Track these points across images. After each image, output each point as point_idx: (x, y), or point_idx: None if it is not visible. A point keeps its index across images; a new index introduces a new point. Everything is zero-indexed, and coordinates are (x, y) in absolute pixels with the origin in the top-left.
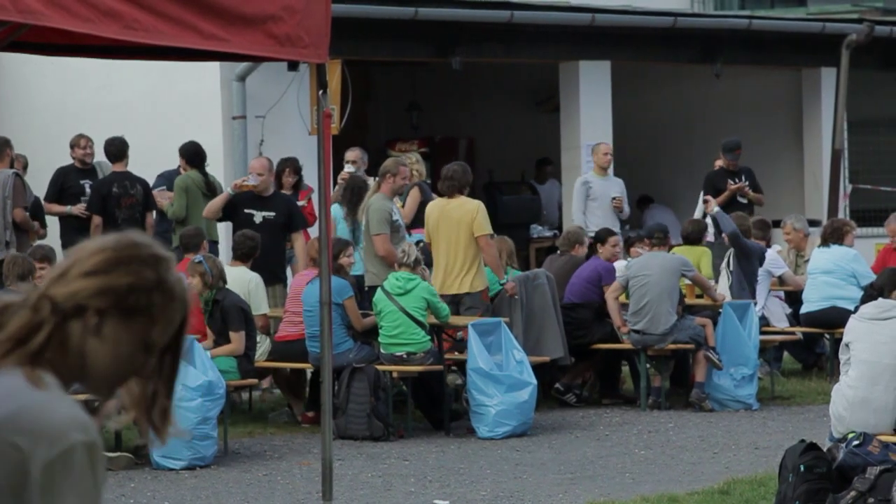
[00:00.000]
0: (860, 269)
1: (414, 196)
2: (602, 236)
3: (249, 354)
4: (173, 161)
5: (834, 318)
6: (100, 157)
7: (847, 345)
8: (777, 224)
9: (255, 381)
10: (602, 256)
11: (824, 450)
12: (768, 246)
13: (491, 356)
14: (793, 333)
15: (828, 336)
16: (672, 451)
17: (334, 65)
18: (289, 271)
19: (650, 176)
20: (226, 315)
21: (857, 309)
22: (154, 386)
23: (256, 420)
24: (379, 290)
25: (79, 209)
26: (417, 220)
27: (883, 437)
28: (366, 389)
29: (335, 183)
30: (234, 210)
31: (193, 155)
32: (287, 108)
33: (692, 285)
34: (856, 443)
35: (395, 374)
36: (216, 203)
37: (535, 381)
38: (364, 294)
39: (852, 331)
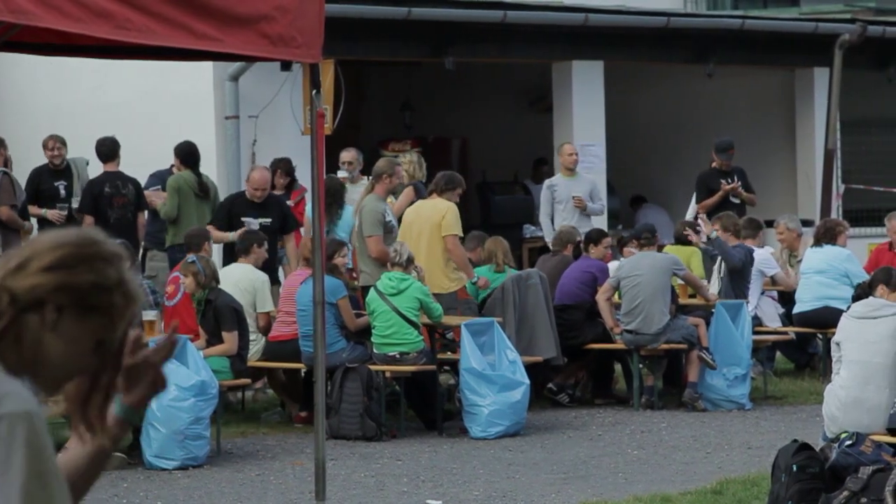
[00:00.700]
0: (853, 269)
1: (408, 195)
2: (594, 237)
3: (242, 354)
4: (167, 161)
5: (827, 318)
6: (81, 153)
7: (838, 343)
8: (770, 224)
9: (247, 381)
10: (594, 257)
11: (817, 450)
12: (761, 246)
13: (484, 356)
14: (785, 333)
15: (820, 336)
16: (665, 451)
17: (327, 65)
18: (280, 272)
19: (643, 176)
20: (218, 315)
21: (848, 308)
22: (96, 384)
23: (249, 420)
24: (372, 290)
25: (53, 215)
26: None
27: (875, 437)
28: (359, 389)
29: None
30: (232, 219)
31: (188, 155)
32: (280, 108)
33: (685, 285)
34: (848, 443)
35: (388, 374)
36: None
37: (527, 381)
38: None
39: (843, 329)
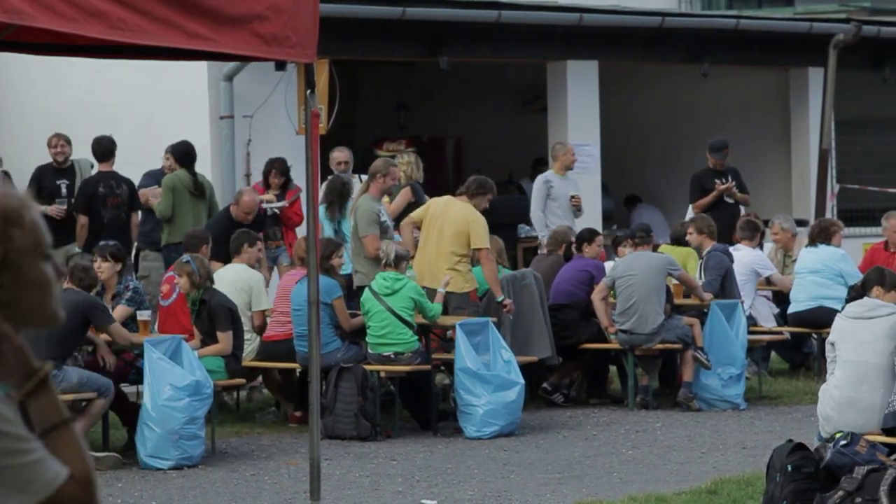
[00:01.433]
0: (847, 269)
1: (405, 195)
2: (587, 236)
3: (237, 354)
4: (161, 161)
5: (821, 318)
6: (84, 155)
7: (832, 343)
8: (765, 224)
9: (242, 381)
10: (588, 256)
11: (812, 449)
12: (760, 247)
13: (478, 356)
14: (780, 333)
15: (815, 336)
16: (660, 451)
17: (322, 64)
18: (275, 272)
19: (638, 176)
20: (213, 315)
21: (843, 308)
22: None
23: (244, 420)
24: (366, 290)
25: (53, 210)
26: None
27: (870, 437)
28: (353, 389)
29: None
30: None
31: (184, 155)
32: (275, 107)
33: (680, 285)
34: (843, 443)
35: (382, 374)
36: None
37: (522, 381)
38: (353, 294)
39: (837, 330)
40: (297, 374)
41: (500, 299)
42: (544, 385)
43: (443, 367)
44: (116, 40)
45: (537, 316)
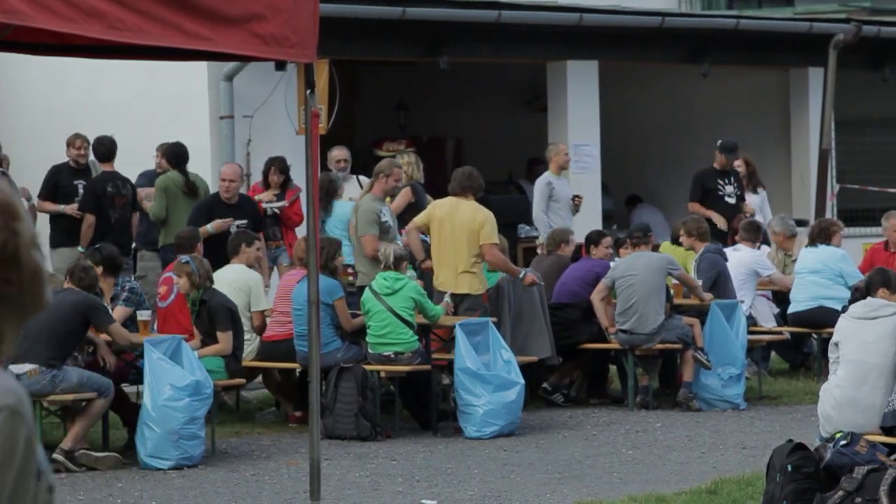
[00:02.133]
0: (847, 269)
1: (405, 195)
2: (595, 238)
3: (237, 354)
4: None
5: (821, 318)
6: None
7: (836, 344)
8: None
9: (242, 381)
10: (595, 258)
11: (812, 449)
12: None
13: (478, 356)
14: (780, 333)
15: (815, 336)
16: (660, 451)
17: (322, 64)
18: (275, 272)
19: (638, 176)
20: (213, 315)
21: (845, 308)
22: None
23: (244, 420)
24: (367, 289)
25: (71, 209)
26: (404, 221)
27: (870, 437)
28: (353, 389)
29: None
30: (209, 220)
31: (174, 156)
32: (275, 107)
33: (679, 285)
34: (843, 442)
35: (382, 374)
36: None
37: (522, 381)
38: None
39: (841, 330)
40: (297, 374)
41: (521, 275)
42: (544, 385)
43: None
44: (115, 40)
45: (537, 316)
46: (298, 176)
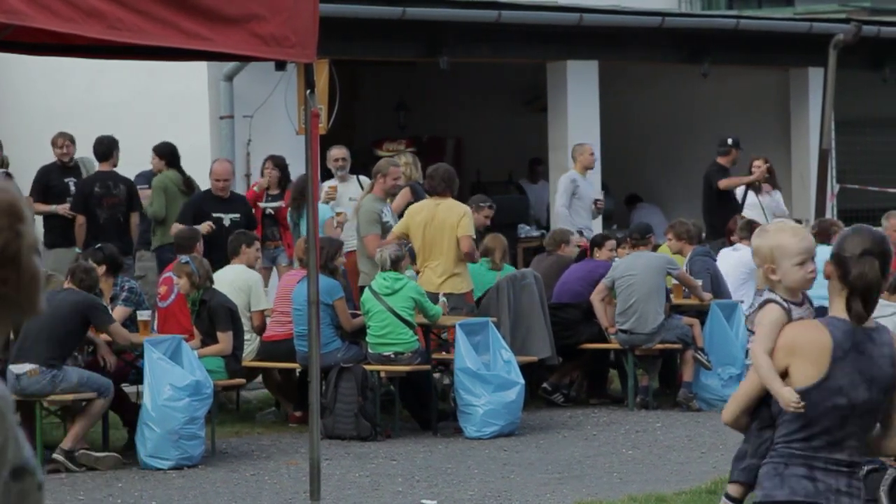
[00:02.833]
0: None
1: (405, 195)
2: (599, 240)
3: (237, 354)
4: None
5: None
6: (85, 153)
7: None
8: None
9: (242, 381)
10: (599, 259)
11: None
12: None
13: (478, 356)
14: None
15: None
16: (660, 451)
17: (322, 64)
18: (274, 272)
19: (638, 175)
20: (213, 315)
21: None
22: None
23: (244, 420)
24: (367, 290)
25: (63, 209)
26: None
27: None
28: (353, 389)
29: (322, 181)
30: (202, 215)
31: (170, 155)
32: (275, 107)
33: (679, 285)
34: None
35: (382, 374)
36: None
37: (522, 381)
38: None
39: None
40: (297, 374)
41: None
42: (544, 385)
43: (441, 368)
44: (115, 40)
45: (537, 316)
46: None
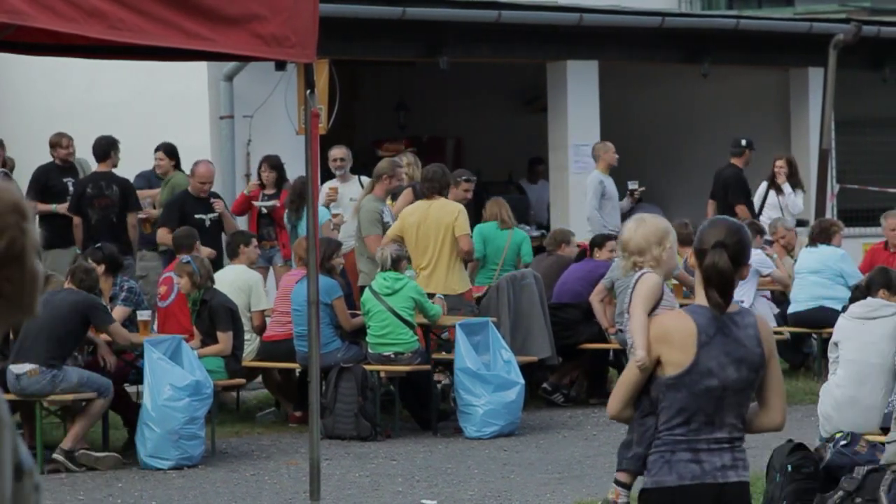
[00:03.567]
0: (848, 269)
1: (407, 196)
2: (599, 241)
3: (237, 354)
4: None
5: (821, 318)
6: (85, 153)
7: (836, 343)
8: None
9: (242, 381)
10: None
11: (812, 450)
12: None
13: (478, 356)
14: (780, 333)
15: (815, 336)
16: None
17: (322, 64)
18: (270, 272)
19: (638, 176)
20: (213, 315)
21: (845, 308)
22: None
23: (244, 420)
24: (367, 290)
25: (63, 208)
26: None
27: (870, 437)
28: (353, 389)
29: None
30: (185, 216)
31: (176, 155)
32: (274, 107)
33: (679, 285)
34: (843, 443)
35: (382, 374)
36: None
37: (522, 381)
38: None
39: (841, 330)
40: (297, 374)
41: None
42: (544, 385)
43: (441, 368)
44: (116, 40)
45: (537, 316)
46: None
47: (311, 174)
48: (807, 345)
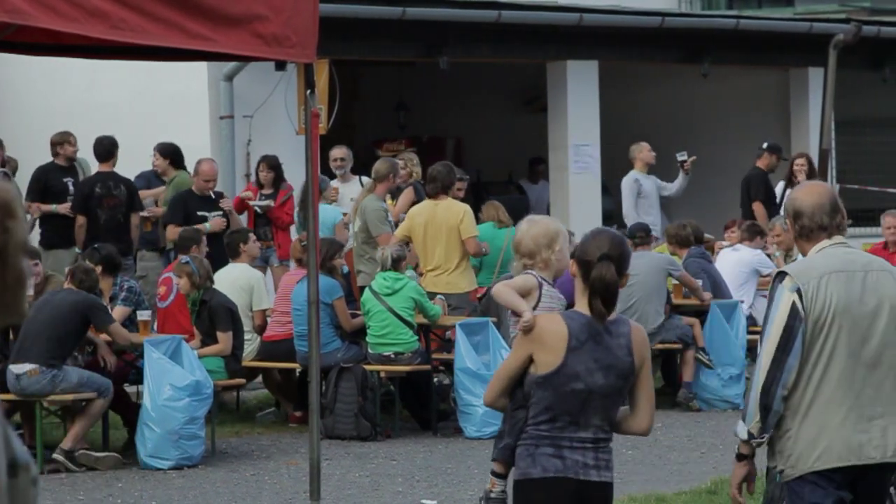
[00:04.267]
0: None
1: (408, 195)
2: None
3: (237, 354)
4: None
5: None
6: (84, 153)
7: None
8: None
9: (242, 381)
10: None
11: None
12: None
13: (478, 356)
14: None
15: None
16: (660, 451)
17: (322, 64)
18: (268, 272)
19: None
20: (213, 315)
21: None
22: None
23: (244, 420)
24: (367, 290)
25: (65, 208)
26: None
27: None
28: (353, 389)
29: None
30: (189, 214)
31: (176, 155)
32: (275, 107)
33: (679, 285)
34: None
35: (382, 374)
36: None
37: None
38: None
39: None
40: (297, 374)
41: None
42: None
43: (442, 367)
44: (117, 40)
45: None
46: (298, 176)
47: (312, 174)
48: None
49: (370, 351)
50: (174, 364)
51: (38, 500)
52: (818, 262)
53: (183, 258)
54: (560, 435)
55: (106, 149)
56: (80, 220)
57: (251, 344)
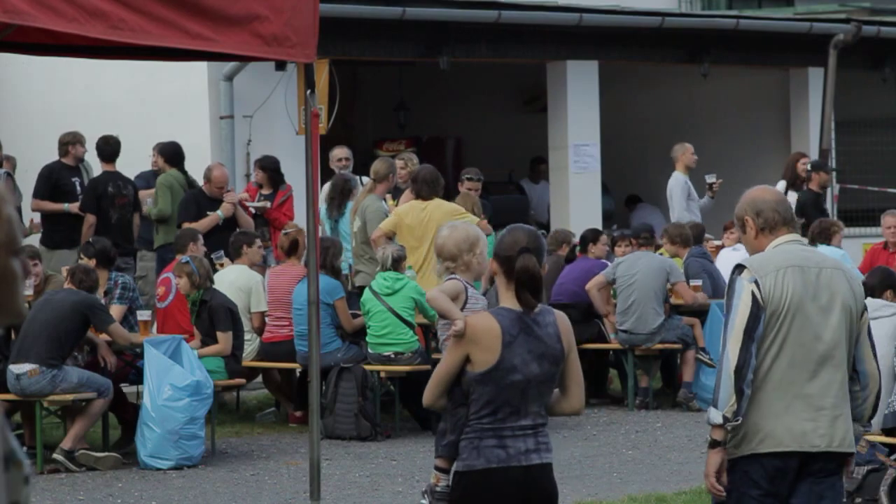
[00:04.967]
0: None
1: (408, 196)
2: (591, 236)
3: (237, 354)
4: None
5: None
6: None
7: None
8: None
9: (242, 381)
10: (593, 256)
11: None
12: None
13: None
14: None
15: None
16: (660, 451)
17: (322, 64)
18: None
19: (638, 176)
20: (213, 315)
21: None
22: None
23: (244, 420)
24: (367, 290)
25: (74, 207)
26: None
27: (870, 438)
28: (353, 389)
29: (322, 182)
30: (200, 214)
31: (174, 154)
32: (274, 107)
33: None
34: None
35: (382, 374)
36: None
37: None
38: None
39: None
40: (297, 374)
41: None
42: None
43: None
44: (117, 40)
45: None
46: (298, 176)
47: (312, 174)
48: None
49: (370, 351)
50: (174, 364)
51: (38, 501)
52: (775, 256)
53: (183, 258)
54: (502, 426)
55: (113, 149)
56: (91, 219)
57: (251, 344)
